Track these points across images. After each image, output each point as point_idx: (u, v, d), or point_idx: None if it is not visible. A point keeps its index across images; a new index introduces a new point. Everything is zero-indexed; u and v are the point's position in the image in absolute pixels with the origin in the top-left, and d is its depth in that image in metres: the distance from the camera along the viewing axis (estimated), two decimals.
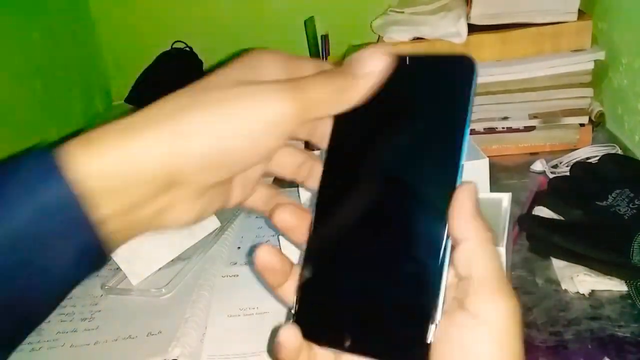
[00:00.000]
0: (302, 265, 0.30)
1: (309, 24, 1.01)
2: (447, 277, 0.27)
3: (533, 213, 0.63)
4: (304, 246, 0.30)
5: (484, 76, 0.81)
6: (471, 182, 0.28)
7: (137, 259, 0.63)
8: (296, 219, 0.30)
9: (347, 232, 0.29)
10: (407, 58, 0.29)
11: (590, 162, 0.71)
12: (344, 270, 0.29)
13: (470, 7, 0.82)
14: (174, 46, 1.09)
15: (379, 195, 0.29)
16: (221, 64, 0.30)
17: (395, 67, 0.29)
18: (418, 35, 0.84)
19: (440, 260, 0.27)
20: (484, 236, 0.27)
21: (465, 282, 0.27)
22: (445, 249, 0.27)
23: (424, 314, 0.26)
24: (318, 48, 1.03)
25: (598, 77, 0.82)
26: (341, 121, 0.30)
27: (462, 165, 0.28)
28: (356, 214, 0.29)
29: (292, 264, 0.31)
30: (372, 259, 0.28)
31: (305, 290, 0.30)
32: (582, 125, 0.79)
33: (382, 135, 0.29)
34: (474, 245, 0.27)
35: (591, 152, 0.75)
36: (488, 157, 0.64)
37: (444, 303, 0.27)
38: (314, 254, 0.30)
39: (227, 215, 0.73)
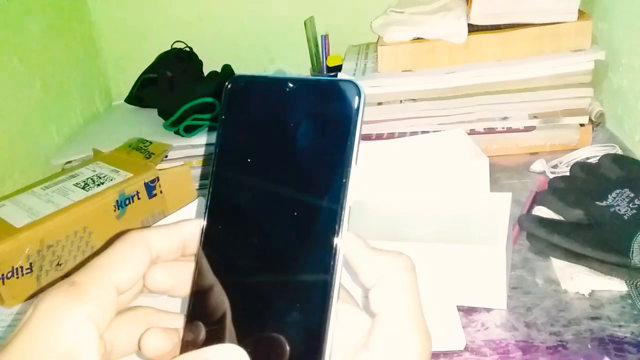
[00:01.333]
0: (185, 321, 0.28)
1: (309, 24, 1.01)
2: (334, 323, 0.25)
3: (533, 213, 0.63)
4: (188, 303, 0.28)
5: (484, 76, 0.81)
6: (349, 233, 0.26)
7: None
8: (173, 277, 0.28)
9: (228, 285, 0.27)
10: (288, 82, 0.27)
11: (590, 162, 0.71)
12: (226, 325, 0.27)
13: (470, 7, 0.82)
14: (174, 46, 1.09)
15: (264, 239, 0.27)
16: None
17: (275, 92, 0.27)
18: (418, 35, 0.84)
19: (326, 313, 0.25)
20: (393, 268, 0.26)
21: (375, 319, 0.26)
22: (331, 298, 0.25)
23: None
24: (318, 48, 1.03)
25: (598, 77, 0.82)
26: (223, 148, 0.28)
27: (346, 209, 0.26)
28: (237, 261, 0.27)
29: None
30: (254, 315, 0.27)
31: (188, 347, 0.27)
32: (582, 125, 0.79)
33: (262, 169, 0.27)
34: (384, 283, 0.26)
35: (591, 152, 0.75)
36: (488, 157, 0.64)
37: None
38: (195, 311, 0.28)
39: None
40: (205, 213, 0.28)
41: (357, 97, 0.26)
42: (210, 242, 0.28)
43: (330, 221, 0.26)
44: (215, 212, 0.28)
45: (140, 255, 0.27)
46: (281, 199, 0.27)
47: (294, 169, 0.27)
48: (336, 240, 0.26)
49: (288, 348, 0.25)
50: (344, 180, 0.26)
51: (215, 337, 0.27)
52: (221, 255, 0.28)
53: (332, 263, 0.26)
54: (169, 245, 0.28)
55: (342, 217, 0.26)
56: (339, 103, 0.26)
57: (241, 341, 0.26)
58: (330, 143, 0.26)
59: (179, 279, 0.28)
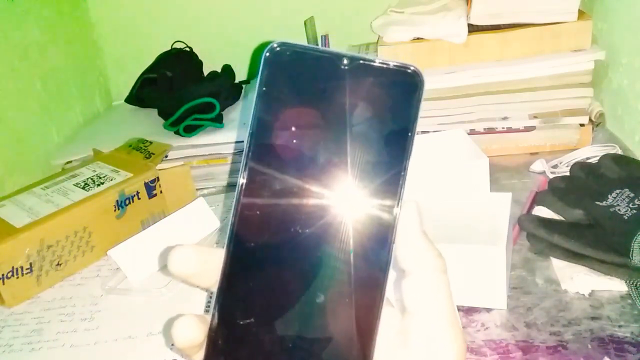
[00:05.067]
0: (212, 314, 0.25)
1: (309, 24, 1.01)
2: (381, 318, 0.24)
3: (533, 213, 0.63)
4: (215, 291, 0.25)
5: (484, 76, 0.81)
6: (412, 202, 0.25)
7: (137, 259, 0.63)
8: (198, 263, 0.26)
9: (266, 272, 0.25)
10: (343, 58, 0.25)
11: (590, 162, 0.71)
12: (261, 319, 0.25)
13: (470, 7, 0.82)
14: (174, 46, 1.09)
15: (305, 223, 0.25)
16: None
17: (331, 68, 0.25)
18: (418, 35, 0.84)
19: (377, 302, 0.24)
20: (433, 265, 0.25)
21: (409, 316, 0.25)
22: (383, 289, 0.24)
23: None
24: None
25: (598, 77, 0.82)
26: (261, 123, 0.25)
27: (401, 198, 0.25)
28: (277, 248, 0.25)
29: None
30: (293, 303, 0.25)
31: (216, 342, 0.25)
32: (582, 125, 0.79)
33: (308, 147, 0.25)
34: (421, 277, 0.25)
35: (591, 152, 0.75)
36: (488, 157, 0.64)
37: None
38: (225, 304, 0.25)
39: (227, 216, 0.73)
40: (238, 198, 0.25)
41: (419, 85, 0.24)
42: (245, 230, 0.25)
43: (386, 215, 0.24)
44: (251, 197, 0.25)
45: None
46: (330, 187, 0.25)
47: (345, 156, 0.25)
48: (390, 237, 0.24)
49: (333, 348, 0.24)
50: (402, 173, 0.24)
51: (249, 333, 0.25)
52: (258, 244, 0.25)
53: (384, 260, 0.24)
54: None
55: (397, 212, 0.24)
56: (400, 90, 0.24)
57: (281, 339, 0.24)
58: (389, 132, 0.24)
59: (205, 264, 0.26)
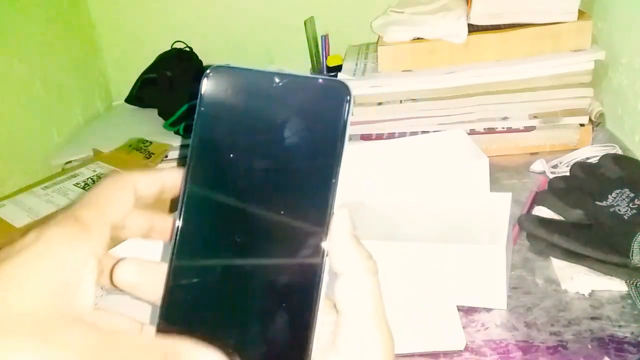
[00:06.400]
0: (157, 323, 0.27)
1: (309, 24, 1.01)
2: (317, 320, 0.26)
3: (533, 213, 0.63)
4: (160, 306, 0.27)
5: (484, 76, 0.81)
6: (344, 208, 0.26)
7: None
8: (142, 275, 0.27)
9: (206, 281, 0.26)
10: (274, 77, 0.26)
11: (590, 162, 0.71)
12: (202, 327, 0.26)
13: (470, 7, 0.82)
14: (174, 46, 1.09)
15: (244, 235, 0.26)
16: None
17: (259, 86, 0.27)
18: (418, 35, 0.84)
19: (313, 307, 0.25)
20: (362, 267, 0.26)
21: (340, 317, 0.26)
22: (318, 293, 0.25)
23: None
24: (318, 48, 1.03)
25: (598, 77, 0.82)
26: (201, 142, 0.27)
27: (334, 204, 0.26)
28: (218, 259, 0.27)
29: (140, 327, 0.27)
30: (233, 311, 0.26)
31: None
32: (582, 125, 0.79)
33: (244, 168, 0.26)
34: (349, 279, 0.26)
35: (591, 152, 0.75)
36: (488, 157, 0.64)
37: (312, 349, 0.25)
38: (170, 311, 0.27)
39: None
40: (179, 214, 0.27)
41: (346, 97, 0.26)
42: (187, 243, 0.27)
43: (318, 223, 0.26)
44: (192, 213, 0.27)
45: (128, 196, 0.28)
46: (265, 199, 0.26)
47: (279, 168, 0.26)
48: (323, 243, 0.26)
49: (273, 353, 0.26)
50: (333, 181, 0.26)
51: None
52: (199, 256, 0.27)
53: (318, 266, 0.26)
54: (150, 189, 0.29)
55: (329, 219, 0.26)
56: (328, 103, 0.26)
57: (221, 346, 0.25)
58: (319, 143, 0.26)
59: (149, 277, 0.27)
